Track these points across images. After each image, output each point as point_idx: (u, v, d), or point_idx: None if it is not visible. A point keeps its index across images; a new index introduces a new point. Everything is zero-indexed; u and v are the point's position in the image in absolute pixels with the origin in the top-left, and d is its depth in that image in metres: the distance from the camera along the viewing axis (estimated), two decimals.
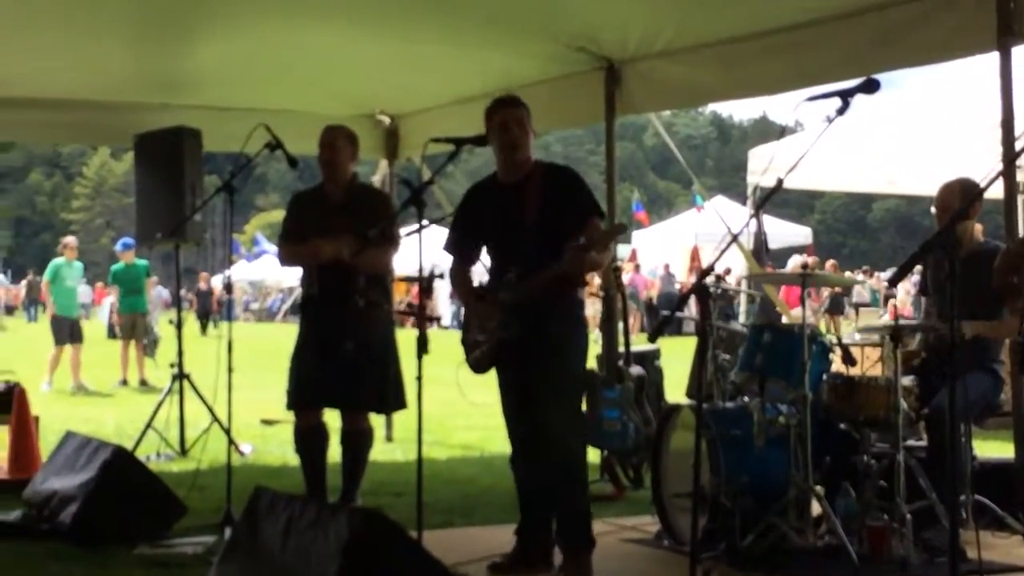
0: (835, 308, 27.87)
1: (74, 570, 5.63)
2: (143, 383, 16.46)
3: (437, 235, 6.28)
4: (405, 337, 6.60)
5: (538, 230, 5.64)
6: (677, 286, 31.42)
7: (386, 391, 6.94)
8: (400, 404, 7.05)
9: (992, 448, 7.49)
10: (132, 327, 16.76)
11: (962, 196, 6.35)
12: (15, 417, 8.30)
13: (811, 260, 18.58)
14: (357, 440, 6.99)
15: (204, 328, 35.26)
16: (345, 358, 6.76)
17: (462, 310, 6.26)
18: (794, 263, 16.03)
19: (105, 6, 7.27)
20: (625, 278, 9.00)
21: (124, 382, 16.72)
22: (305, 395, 6.91)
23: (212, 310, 37.74)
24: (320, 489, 6.94)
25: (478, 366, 5.84)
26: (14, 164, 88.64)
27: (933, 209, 6.74)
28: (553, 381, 5.66)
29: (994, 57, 6.10)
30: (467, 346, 5.87)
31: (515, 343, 5.62)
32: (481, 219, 5.90)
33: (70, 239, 16.29)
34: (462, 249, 6.02)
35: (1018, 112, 6.01)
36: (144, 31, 7.81)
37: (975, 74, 9.23)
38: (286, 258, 7.12)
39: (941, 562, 5.51)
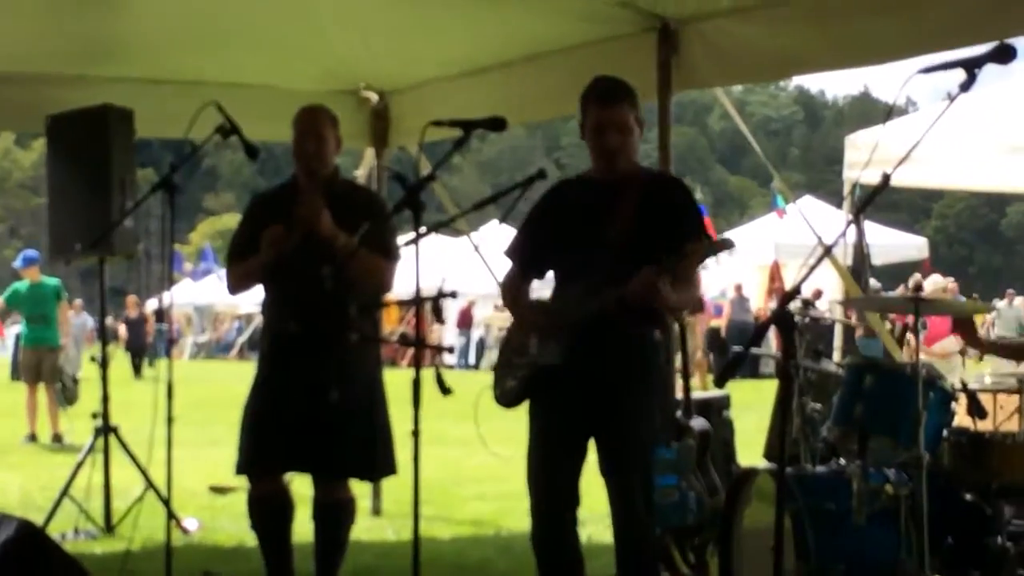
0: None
1: None
2: (56, 438, 16.52)
3: (439, 246, 6.32)
4: (397, 380, 6.62)
5: (623, 248, 5.75)
6: (752, 314, 31.40)
7: (374, 451, 6.94)
8: (390, 468, 7.06)
9: None
10: (38, 366, 16.79)
11: None
12: None
13: (936, 281, 18.46)
14: (336, 514, 6.99)
15: (137, 368, 34.96)
16: (326, 410, 6.78)
17: (480, 339, 6.35)
18: (935, 286, 15.98)
19: None
20: None
21: (32, 437, 16.77)
22: (267, 456, 6.91)
23: (147, 344, 37.19)
24: (285, 572, 6.94)
25: (504, 397, 5.97)
26: None
27: None
28: (634, 440, 5.89)
29: None
30: (499, 372, 6.01)
31: (564, 377, 5.75)
32: (556, 219, 6.02)
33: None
34: (525, 257, 6.18)
35: None
36: None
37: None
38: (238, 280, 7.13)
39: None
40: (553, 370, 5.78)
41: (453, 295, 5.73)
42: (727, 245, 5.91)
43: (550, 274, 6.17)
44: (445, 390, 5.31)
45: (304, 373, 6.81)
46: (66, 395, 17.47)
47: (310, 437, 6.78)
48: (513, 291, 6.15)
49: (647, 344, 5.94)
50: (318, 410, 6.76)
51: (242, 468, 6.97)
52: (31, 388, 17.02)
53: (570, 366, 5.76)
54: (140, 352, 36.36)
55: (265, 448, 6.87)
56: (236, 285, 7.17)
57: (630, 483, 5.93)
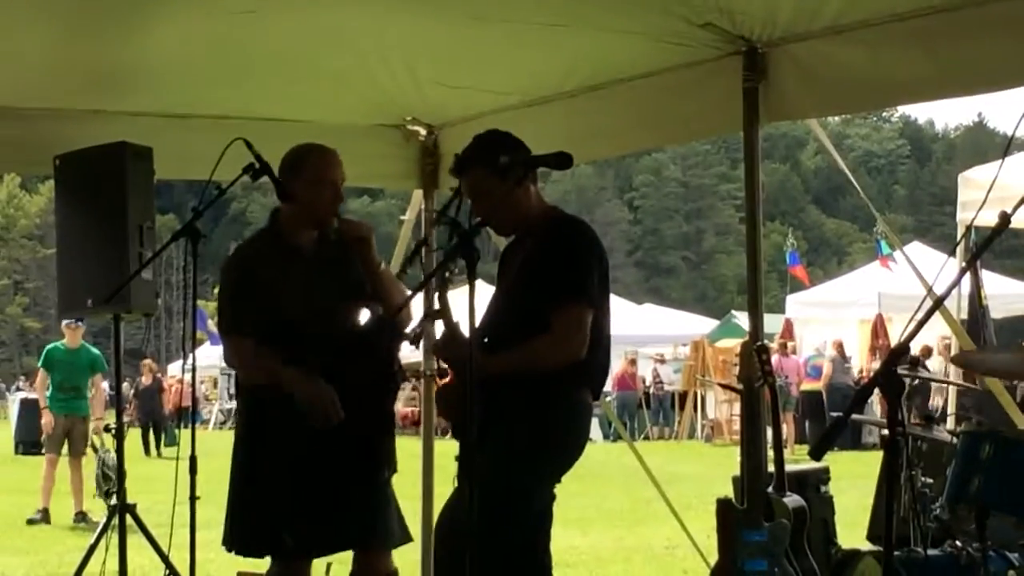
0: None
1: None
2: (81, 516, 16.66)
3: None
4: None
5: (506, 305, 6.20)
6: (854, 375, 31.27)
7: (400, 517, 7.12)
8: (409, 535, 7.20)
9: None
10: (67, 435, 17.11)
11: None
12: None
13: None
14: None
15: (149, 446, 34.45)
16: (378, 484, 6.90)
17: None
18: None
19: None
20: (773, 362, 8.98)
21: (45, 514, 16.89)
22: (311, 535, 6.89)
23: (163, 417, 36.36)
24: None
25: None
26: None
27: None
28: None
29: None
30: None
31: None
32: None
33: None
34: None
35: None
36: (71, 9, 7.91)
37: None
38: (249, 369, 7.00)
39: None
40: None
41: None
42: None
43: None
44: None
45: (350, 443, 6.83)
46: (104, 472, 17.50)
47: (359, 511, 6.85)
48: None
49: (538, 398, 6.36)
50: (373, 485, 6.88)
51: (281, 552, 6.92)
52: (52, 460, 17.24)
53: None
54: (156, 427, 35.37)
55: (310, 528, 6.84)
56: (244, 368, 7.05)
57: None
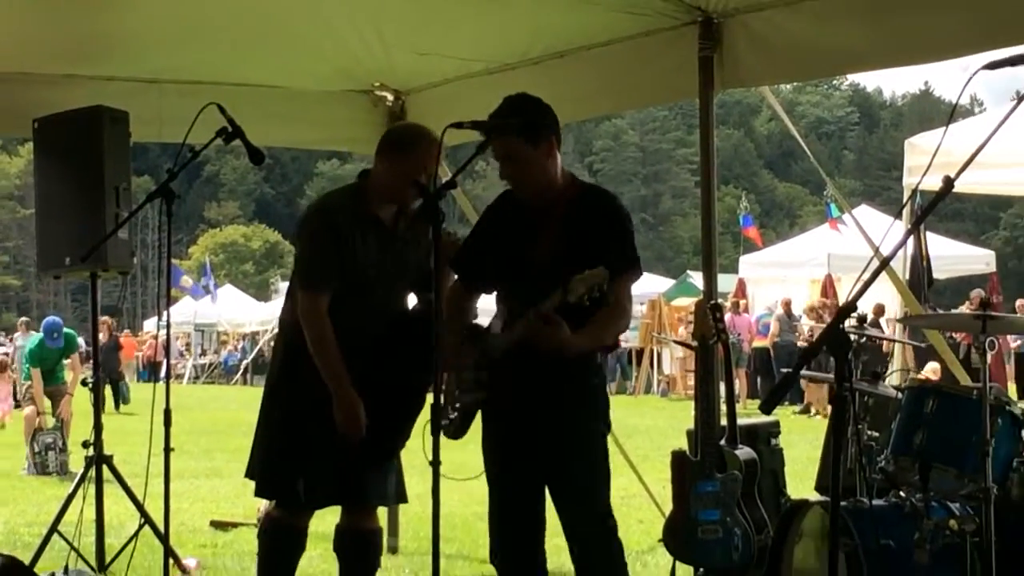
0: None
1: None
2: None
3: None
4: None
5: (550, 273, 5.86)
6: (803, 332, 31.35)
7: (400, 479, 7.14)
8: (405, 497, 7.22)
9: None
10: (51, 397, 18.00)
11: None
12: None
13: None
14: (375, 542, 7.16)
15: (116, 401, 33.18)
16: (393, 443, 6.94)
17: None
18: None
19: None
20: (726, 320, 9.00)
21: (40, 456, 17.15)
22: (321, 490, 6.91)
23: (119, 375, 35.26)
24: None
25: (449, 433, 6.10)
26: None
27: None
28: (573, 468, 6.08)
29: None
30: (445, 400, 6.10)
31: (497, 412, 5.98)
32: (496, 245, 6.19)
33: None
34: (467, 270, 6.33)
35: None
36: None
37: None
38: (319, 338, 6.76)
39: None
40: (485, 407, 5.98)
41: None
42: (598, 279, 6.08)
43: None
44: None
45: (385, 407, 6.82)
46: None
47: (365, 469, 6.90)
48: (451, 308, 6.27)
49: (587, 366, 6.17)
50: (386, 446, 6.92)
51: (296, 501, 6.90)
52: (30, 416, 17.87)
53: (493, 403, 5.96)
54: (113, 384, 33.33)
55: (323, 482, 6.85)
56: (310, 330, 6.75)
57: (581, 515, 6.11)
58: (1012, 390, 21.88)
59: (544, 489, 6.13)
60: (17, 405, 24.81)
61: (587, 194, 6.19)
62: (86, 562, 9.55)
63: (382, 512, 7.35)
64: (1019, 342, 29.50)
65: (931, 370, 12.54)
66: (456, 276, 6.33)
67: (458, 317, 6.23)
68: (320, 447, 6.74)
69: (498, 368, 5.95)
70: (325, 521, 7.15)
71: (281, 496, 6.95)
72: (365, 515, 7.05)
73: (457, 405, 6.11)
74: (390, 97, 10.53)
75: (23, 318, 34.36)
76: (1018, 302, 30.52)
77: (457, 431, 6.16)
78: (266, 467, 6.93)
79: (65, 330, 18.14)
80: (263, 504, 7.52)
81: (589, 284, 5.75)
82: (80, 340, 19.23)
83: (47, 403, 17.97)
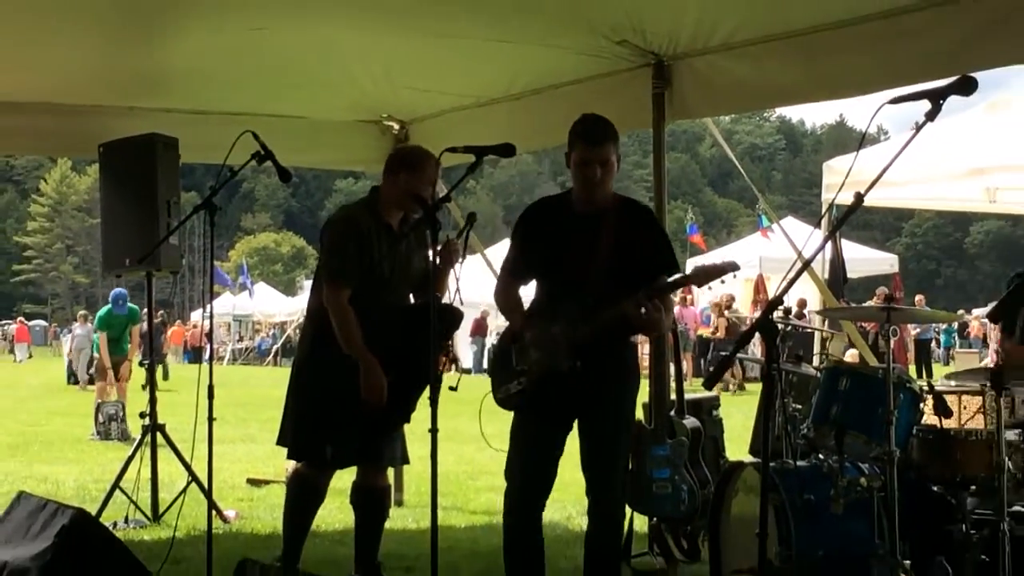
0: (923, 349, 27.81)
1: None
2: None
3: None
4: None
5: (610, 269, 5.85)
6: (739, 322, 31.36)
7: (404, 445, 7.18)
8: (407, 459, 7.25)
9: None
10: (116, 368, 17.95)
11: None
12: None
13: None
14: (385, 497, 7.19)
15: (165, 374, 33.06)
16: (404, 413, 6.90)
17: (492, 345, 6.37)
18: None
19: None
20: (676, 312, 8.99)
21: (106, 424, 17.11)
22: (345, 454, 6.93)
23: (163, 356, 35.54)
24: (298, 554, 7.02)
25: (508, 401, 6.00)
26: None
27: None
28: (614, 436, 6.00)
29: None
30: (503, 375, 6.02)
31: (560, 383, 5.81)
32: (546, 242, 6.04)
33: None
34: (517, 270, 6.20)
35: None
36: (111, 20, 7.82)
37: None
38: (344, 319, 6.79)
39: None
40: (555, 376, 5.81)
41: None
42: (729, 269, 6.02)
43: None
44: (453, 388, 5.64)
45: (400, 375, 6.82)
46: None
47: (381, 433, 6.95)
48: (511, 299, 6.18)
49: (628, 356, 6.15)
50: (398, 413, 6.90)
51: (326, 461, 6.92)
52: (102, 387, 18.20)
53: (571, 374, 5.80)
54: (160, 362, 34.40)
55: (349, 445, 6.87)
56: (336, 315, 6.76)
57: (612, 473, 6.05)
58: (912, 370, 21.95)
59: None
60: (90, 381, 24.88)
61: (637, 208, 6.15)
62: (143, 513, 9.55)
63: (389, 471, 7.34)
64: (917, 330, 29.57)
65: (851, 355, 12.53)
66: (505, 273, 6.21)
67: (517, 306, 6.15)
68: (345, 418, 6.75)
69: (577, 349, 5.82)
70: (341, 480, 7.14)
71: (312, 458, 6.95)
72: (378, 475, 7.08)
73: (523, 378, 5.95)
74: (396, 126, 10.52)
75: (82, 311, 34.25)
76: (916, 297, 30.63)
77: (514, 403, 6.03)
78: (299, 435, 6.93)
79: (129, 304, 18.16)
80: (290, 464, 7.50)
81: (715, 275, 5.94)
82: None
83: (109, 374, 17.89)
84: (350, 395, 6.69)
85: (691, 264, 35.77)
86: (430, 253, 6.79)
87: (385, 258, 6.82)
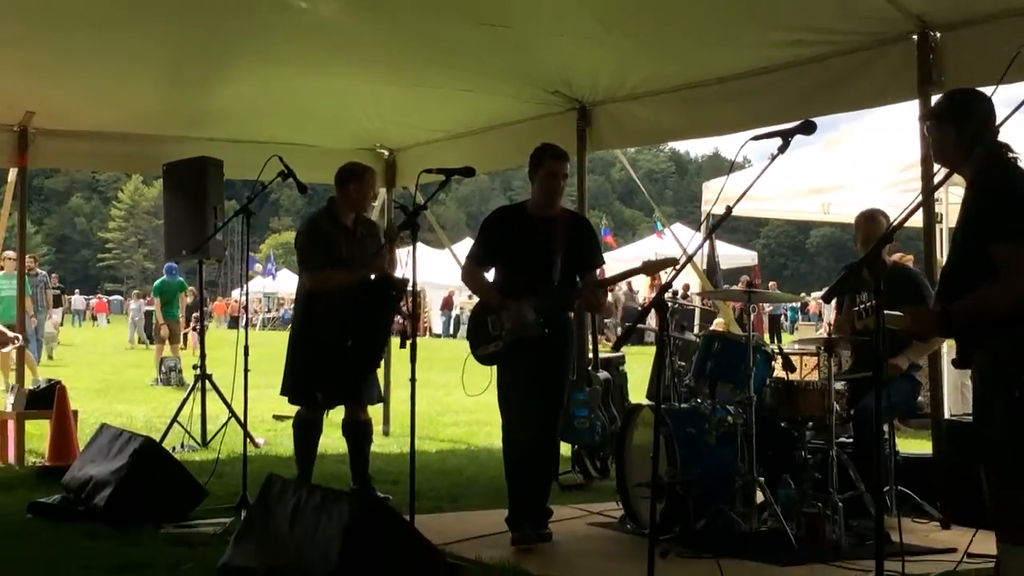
0: (775, 322, 27.95)
1: (106, 548, 5.57)
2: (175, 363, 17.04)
3: (429, 255, 6.32)
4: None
5: (562, 261, 5.88)
6: (639, 302, 31.43)
7: (378, 387, 7.19)
8: (382, 397, 7.33)
9: (914, 445, 7.50)
10: (169, 330, 17.70)
11: (869, 227, 6.54)
12: (56, 411, 8.33)
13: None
14: (367, 428, 7.09)
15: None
16: (369, 363, 6.88)
17: (461, 314, 6.38)
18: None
19: (140, 52, 7.26)
20: None
21: (167, 375, 17.00)
22: (333, 397, 6.92)
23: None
24: (310, 474, 6.97)
25: (486, 359, 5.95)
26: (57, 188, 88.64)
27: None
28: (562, 386, 6.09)
29: (912, 105, 6.19)
30: (481, 335, 5.95)
31: (532, 343, 5.79)
32: (508, 239, 6.00)
33: (10, 253, 14.42)
34: (481, 258, 6.15)
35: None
36: (173, 73, 7.80)
37: (892, 120, 9.36)
38: (326, 281, 6.80)
39: (868, 545, 5.51)
40: (527, 338, 5.81)
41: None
42: (672, 263, 6.14)
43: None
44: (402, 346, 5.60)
45: (370, 335, 6.83)
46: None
47: (362, 379, 6.93)
48: (480, 281, 6.13)
49: (571, 326, 6.18)
50: (372, 360, 6.92)
51: (317, 403, 6.91)
52: (159, 347, 17.88)
53: (540, 337, 5.82)
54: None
55: (336, 387, 6.85)
56: (324, 283, 6.80)
57: (557, 409, 6.09)
58: (767, 337, 22.07)
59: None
60: (150, 340, 24.71)
61: (576, 216, 6.21)
62: (195, 440, 9.49)
63: (377, 411, 7.32)
64: (771, 308, 29.71)
65: (717, 323, 12.60)
66: (472, 260, 6.14)
67: (486, 283, 6.11)
68: (330, 370, 6.74)
69: (543, 318, 5.83)
70: (334, 418, 7.12)
71: (307, 403, 6.94)
72: (360, 411, 7.01)
73: (500, 341, 5.86)
74: (386, 152, 10.49)
75: (136, 291, 33.88)
76: (770, 283, 30.77)
77: (493, 360, 5.93)
78: (296, 385, 6.93)
79: (178, 277, 18.00)
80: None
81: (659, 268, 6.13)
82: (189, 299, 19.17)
83: (166, 331, 17.61)
84: (332, 355, 6.68)
85: (606, 257, 35.92)
86: (381, 236, 7.00)
87: (343, 249, 6.80)
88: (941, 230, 8.49)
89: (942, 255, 6.35)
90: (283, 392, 7.02)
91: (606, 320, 30.28)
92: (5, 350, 10.34)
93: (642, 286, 32.29)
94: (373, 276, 6.81)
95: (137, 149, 9.70)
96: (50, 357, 21.86)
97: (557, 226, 5.92)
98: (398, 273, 6.85)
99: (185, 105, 8.71)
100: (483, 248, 6.13)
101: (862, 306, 5.44)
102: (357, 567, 4.10)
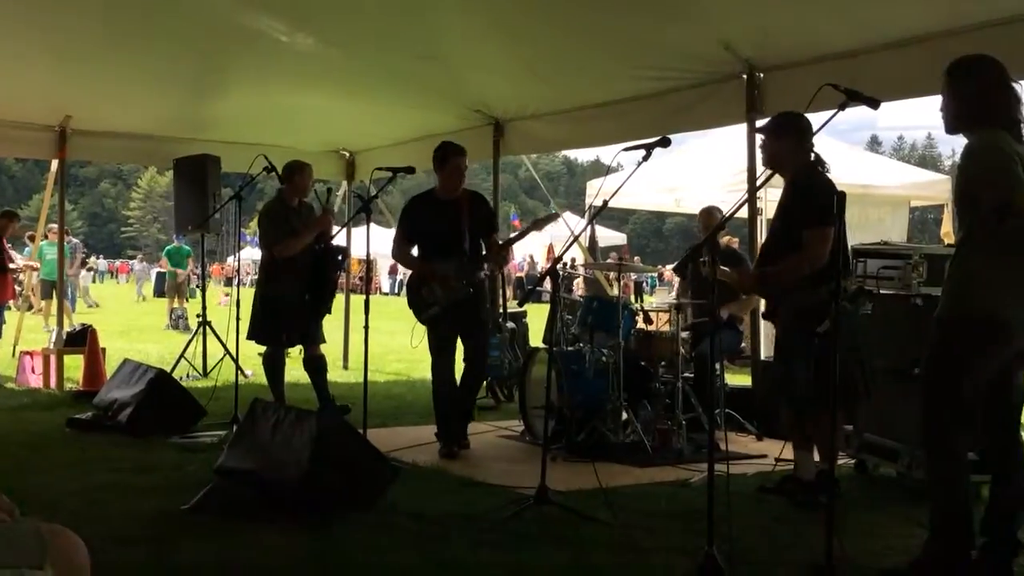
0: (639, 287, 28.23)
1: (128, 453, 5.50)
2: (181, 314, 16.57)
3: (379, 233, 6.27)
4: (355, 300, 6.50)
5: (469, 232, 5.79)
6: (538, 271, 31.56)
7: (321, 330, 6.98)
8: (324, 339, 7.02)
9: (738, 379, 7.66)
10: (176, 287, 17.17)
11: (708, 218, 6.75)
12: (88, 348, 8.23)
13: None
14: (322, 362, 6.93)
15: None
16: (321, 312, 6.76)
17: (404, 279, 6.32)
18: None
19: (158, 70, 7.08)
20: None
21: (175, 320, 16.53)
22: (293, 337, 6.81)
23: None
24: (283, 395, 6.82)
25: (429, 321, 5.81)
26: (89, 176, 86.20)
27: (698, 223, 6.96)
28: (481, 335, 5.97)
29: (742, 127, 6.30)
30: (421, 304, 5.81)
31: (461, 304, 5.72)
32: (424, 220, 5.89)
33: (53, 226, 13.33)
34: (407, 237, 5.98)
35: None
36: (183, 87, 7.61)
37: (726, 138, 9.49)
38: (288, 248, 6.61)
39: (703, 451, 5.64)
40: (457, 302, 5.73)
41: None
42: (555, 218, 6.19)
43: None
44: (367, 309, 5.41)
45: (320, 289, 6.71)
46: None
47: (315, 324, 6.80)
48: (408, 257, 5.99)
49: (485, 283, 6.07)
50: (320, 312, 6.76)
51: (283, 342, 6.79)
52: (171, 299, 17.30)
53: (464, 300, 5.75)
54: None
55: (296, 330, 6.74)
56: (286, 249, 6.60)
57: (480, 353, 6.03)
58: (632, 299, 22.29)
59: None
60: (161, 294, 24.15)
61: (473, 194, 6.01)
62: (197, 371, 9.33)
63: (339, 351, 7.23)
64: (635, 277, 29.87)
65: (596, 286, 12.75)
66: (400, 240, 5.95)
67: (415, 260, 5.92)
68: (289, 317, 6.61)
69: (468, 285, 5.73)
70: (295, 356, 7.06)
71: (273, 342, 6.77)
72: (315, 348, 6.86)
73: (439, 305, 5.74)
74: (348, 154, 10.36)
75: (140, 255, 32.97)
76: (635, 258, 30.98)
77: (433, 321, 5.78)
78: (263, 329, 6.71)
79: (185, 246, 17.63)
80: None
81: (545, 223, 6.02)
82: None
83: (181, 278, 17.27)
84: (293, 306, 6.57)
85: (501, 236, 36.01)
86: (319, 211, 6.82)
87: (294, 226, 6.63)
88: (760, 220, 8.64)
89: (761, 238, 6.47)
90: (250, 336, 6.78)
91: (514, 286, 30.40)
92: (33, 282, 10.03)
93: (540, 258, 32.43)
94: (323, 244, 6.68)
95: (154, 146, 9.45)
96: (89, 306, 21.38)
97: (461, 204, 5.83)
98: (341, 243, 6.74)
99: (192, 113, 8.50)
100: (406, 229, 5.97)
101: (704, 259, 5.53)
102: (322, 468, 4.11)
